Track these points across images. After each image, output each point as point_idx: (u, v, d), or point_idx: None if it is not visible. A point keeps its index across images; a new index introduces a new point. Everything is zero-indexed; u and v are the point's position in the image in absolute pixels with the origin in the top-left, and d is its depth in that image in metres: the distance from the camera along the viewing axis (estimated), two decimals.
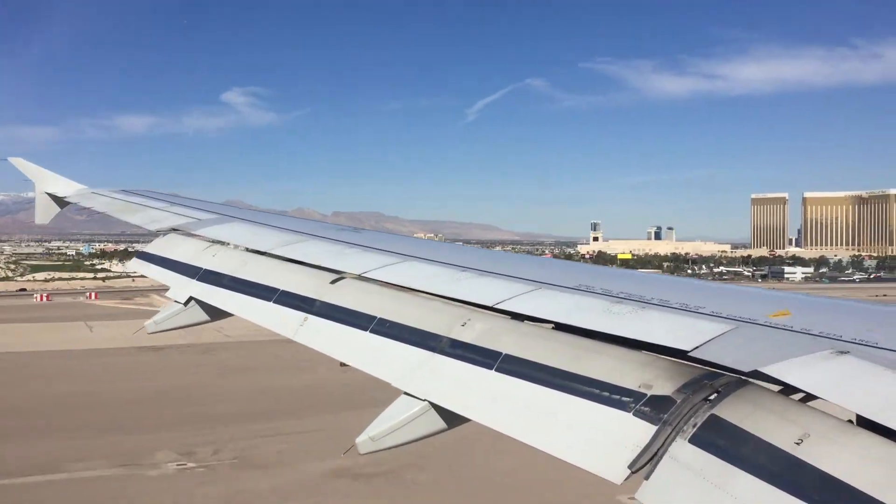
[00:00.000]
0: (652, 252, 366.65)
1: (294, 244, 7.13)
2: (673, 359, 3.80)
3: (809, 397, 3.29)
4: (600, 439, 3.56)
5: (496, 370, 4.27)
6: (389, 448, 4.47)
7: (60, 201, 12.98)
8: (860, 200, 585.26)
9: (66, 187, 13.12)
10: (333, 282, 6.01)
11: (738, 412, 3.23)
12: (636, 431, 3.43)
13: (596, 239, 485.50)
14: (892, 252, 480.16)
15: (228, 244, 7.67)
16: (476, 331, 4.65)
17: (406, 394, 4.55)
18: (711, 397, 3.39)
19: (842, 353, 3.39)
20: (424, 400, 4.44)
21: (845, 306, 4.58)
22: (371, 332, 5.19)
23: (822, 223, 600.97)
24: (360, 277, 5.98)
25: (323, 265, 6.34)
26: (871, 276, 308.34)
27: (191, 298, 6.98)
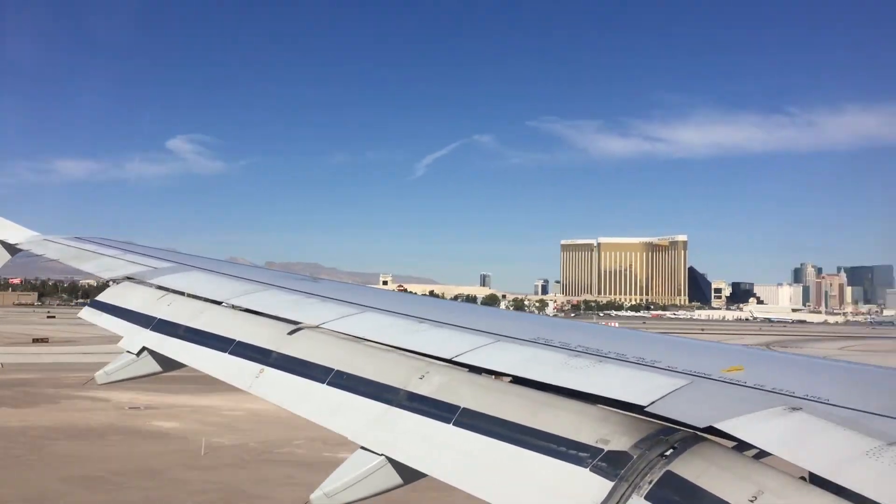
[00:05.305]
0: None
1: (251, 294, 6.96)
2: (630, 413, 3.87)
3: (763, 454, 3.44)
4: (557, 495, 3.58)
5: (454, 424, 4.22)
6: None
7: (11, 248, 11.90)
8: (652, 247, 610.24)
9: (17, 234, 12.09)
10: (291, 333, 5.80)
11: (693, 468, 3.31)
12: (593, 487, 3.46)
13: (385, 283, 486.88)
14: (679, 301, 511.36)
15: (184, 294, 7.34)
16: (434, 384, 4.59)
17: (362, 448, 4.41)
18: (667, 453, 3.46)
19: (794, 409, 3.52)
20: (381, 454, 4.31)
21: (797, 361, 4.81)
22: (328, 384, 5.03)
23: (615, 270, 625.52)
24: (318, 329, 5.81)
25: (280, 316, 6.17)
26: None
27: (144, 349, 6.72)
